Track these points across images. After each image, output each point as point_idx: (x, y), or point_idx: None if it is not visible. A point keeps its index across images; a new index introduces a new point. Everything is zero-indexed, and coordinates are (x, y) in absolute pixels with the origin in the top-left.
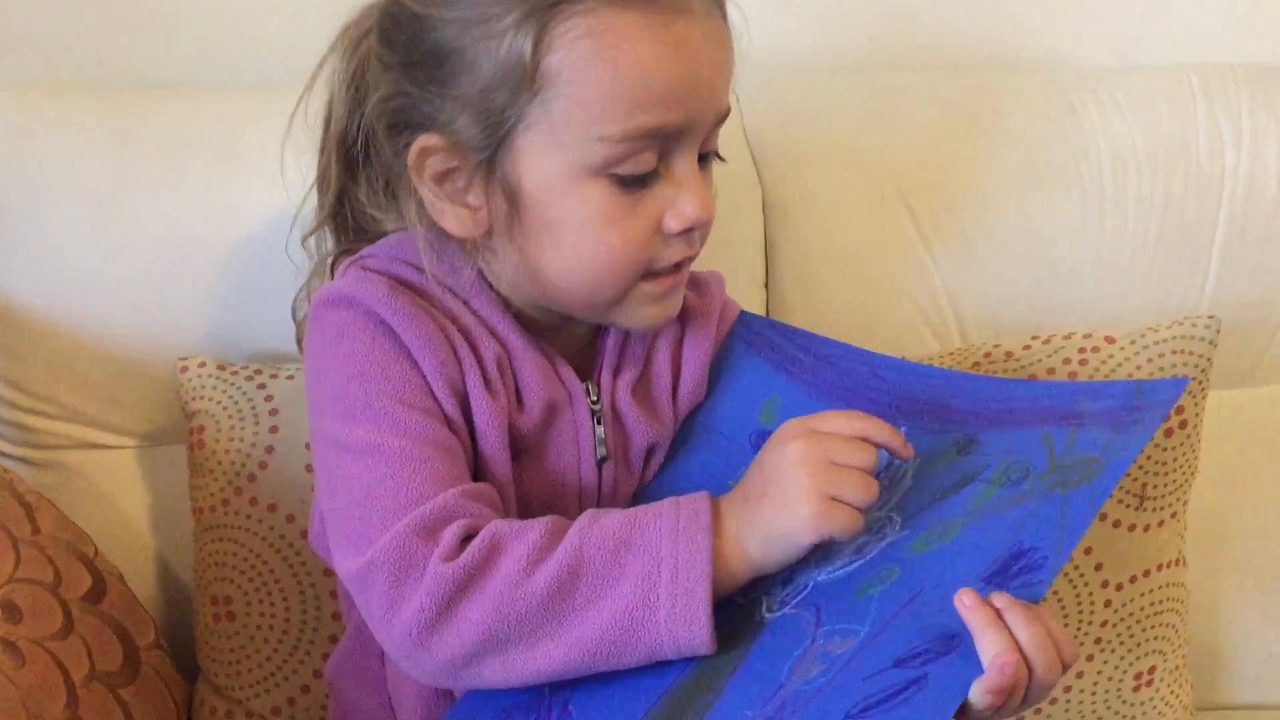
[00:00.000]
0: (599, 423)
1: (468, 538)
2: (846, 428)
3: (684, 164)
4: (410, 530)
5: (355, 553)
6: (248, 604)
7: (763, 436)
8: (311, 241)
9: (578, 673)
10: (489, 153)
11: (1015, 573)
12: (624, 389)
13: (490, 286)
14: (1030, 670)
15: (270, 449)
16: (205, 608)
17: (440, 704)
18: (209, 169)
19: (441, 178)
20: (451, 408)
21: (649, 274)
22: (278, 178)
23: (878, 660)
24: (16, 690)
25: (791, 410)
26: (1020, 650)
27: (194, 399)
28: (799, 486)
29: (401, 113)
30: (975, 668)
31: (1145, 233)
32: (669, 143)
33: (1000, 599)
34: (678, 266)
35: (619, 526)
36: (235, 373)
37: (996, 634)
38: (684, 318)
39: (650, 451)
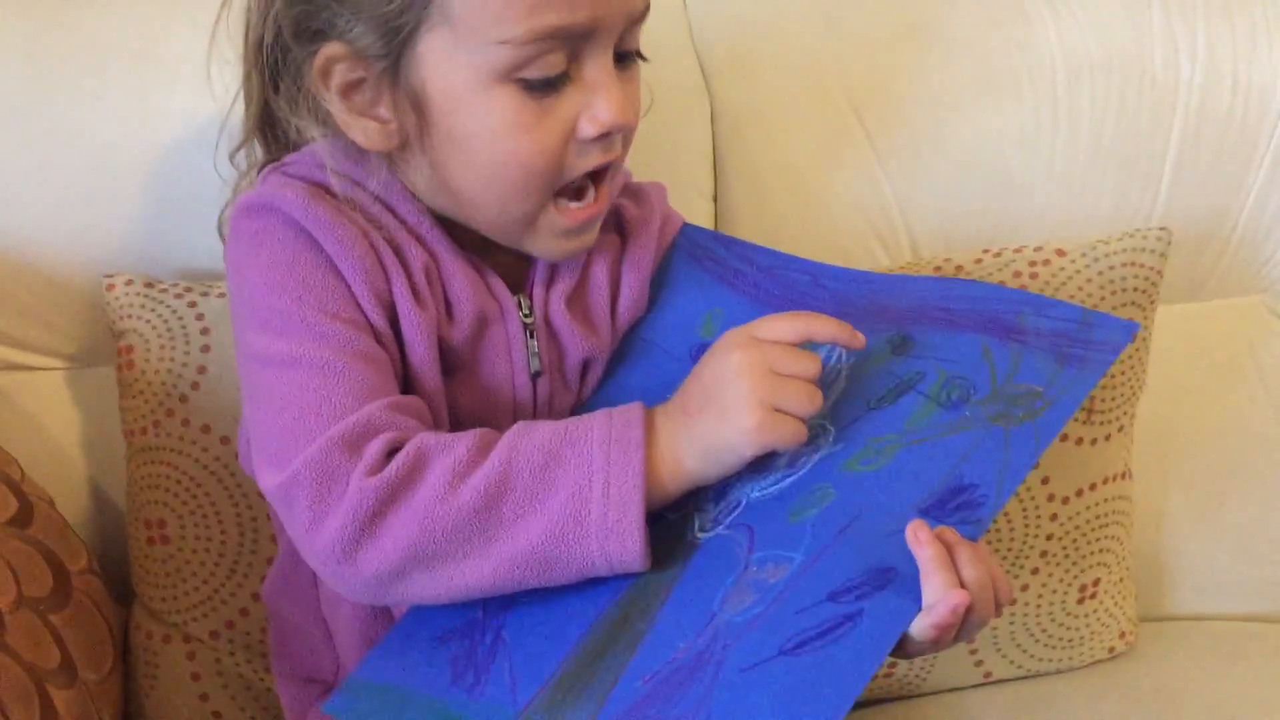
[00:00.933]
0: (532, 336)
1: (392, 452)
2: (789, 331)
3: (596, 66)
4: (332, 444)
5: (277, 468)
6: (182, 527)
7: (704, 349)
8: (241, 156)
9: (509, 588)
10: (390, 61)
11: (954, 508)
12: (558, 301)
13: (413, 196)
14: (969, 609)
15: (202, 369)
16: (139, 531)
17: (375, 623)
18: (131, 75)
19: (348, 89)
20: (378, 318)
21: (561, 195)
22: (203, 84)
23: (811, 593)
24: None
25: (733, 322)
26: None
27: (122, 318)
28: (741, 397)
29: (304, 20)
30: (911, 603)
31: (1098, 144)
32: (578, 44)
33: (949, 534)
34: (594, 178)
35: (549, 439)
36: (164, 290)
37: (947, 573)
38: (623, 229)
39: (587, 365)
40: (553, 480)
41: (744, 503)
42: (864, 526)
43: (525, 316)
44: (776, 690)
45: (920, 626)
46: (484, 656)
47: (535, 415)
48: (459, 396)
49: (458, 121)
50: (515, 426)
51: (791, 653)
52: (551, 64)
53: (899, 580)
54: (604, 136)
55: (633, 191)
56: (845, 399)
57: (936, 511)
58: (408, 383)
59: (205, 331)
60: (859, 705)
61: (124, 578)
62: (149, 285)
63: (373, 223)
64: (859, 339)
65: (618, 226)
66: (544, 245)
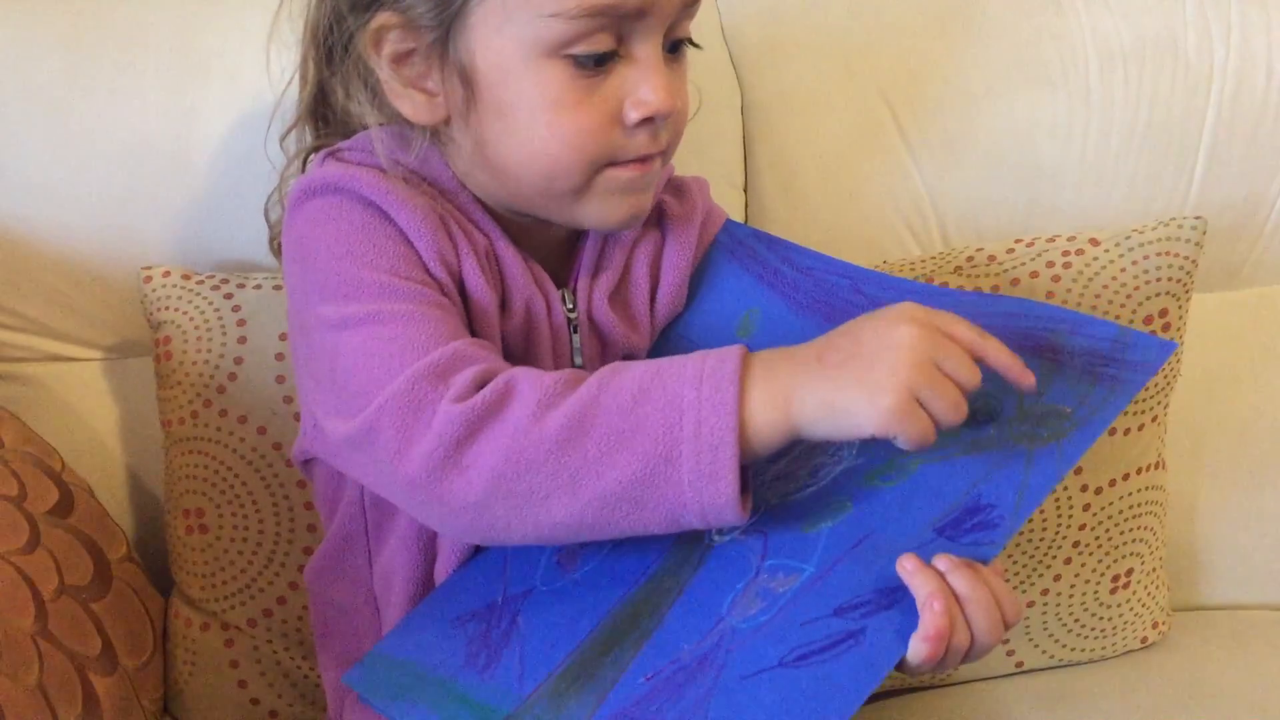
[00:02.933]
0: (575, 331)
1: (482, 383)
2: (968, 338)
3: (646, 49)
4: (420, 375)
5: (356, 411)
6: (220, 516)
7: None
8: (290, 140)
9: (600, 530)
10: (441, 31)
11: (969, 528)
12: (601, 297)
13: (462, 184)
14: (972, 631)
15: (239, 360)
16: (177, 521)
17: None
18: (166, 70)
19: (399, 60)
20: (448, 285)
21: (611, 164)
22: (237, 78)
23: (818, 605)
24: None
25: (770, 324)
26: (963, 611)
27: (159, 309)
28: (893, 372)
29: None
30: (914, 624)
31: (1131, 132)
32: (628, 24)
33: (943, 561)
34: (643, 161)
35: (640, 375)
36: (201, 282)
37: (941, 598)
38: (664, 224)
39: (630, 359)
40: (642, 417)
41: (762, 509)
42: (877, 543)
43: (569, 311)
44: (774, 701)
45: (914, 645)
46: (498, 641)
47: None
48: None
49: (504, 94)
50: (608, 365)
51: (792, 664)
52: (600, 41)
53: (906, 600)
54: (649, 122)
55: (675, 186)
56: None
57: (951, 531)
58: None
59: (242, 323)
60: (893, 694)
61: (162, 566)
62: (186, 277)
63: (440, 201)
64: (1029, 379)
65: (659, 222)
66: (597, 210)
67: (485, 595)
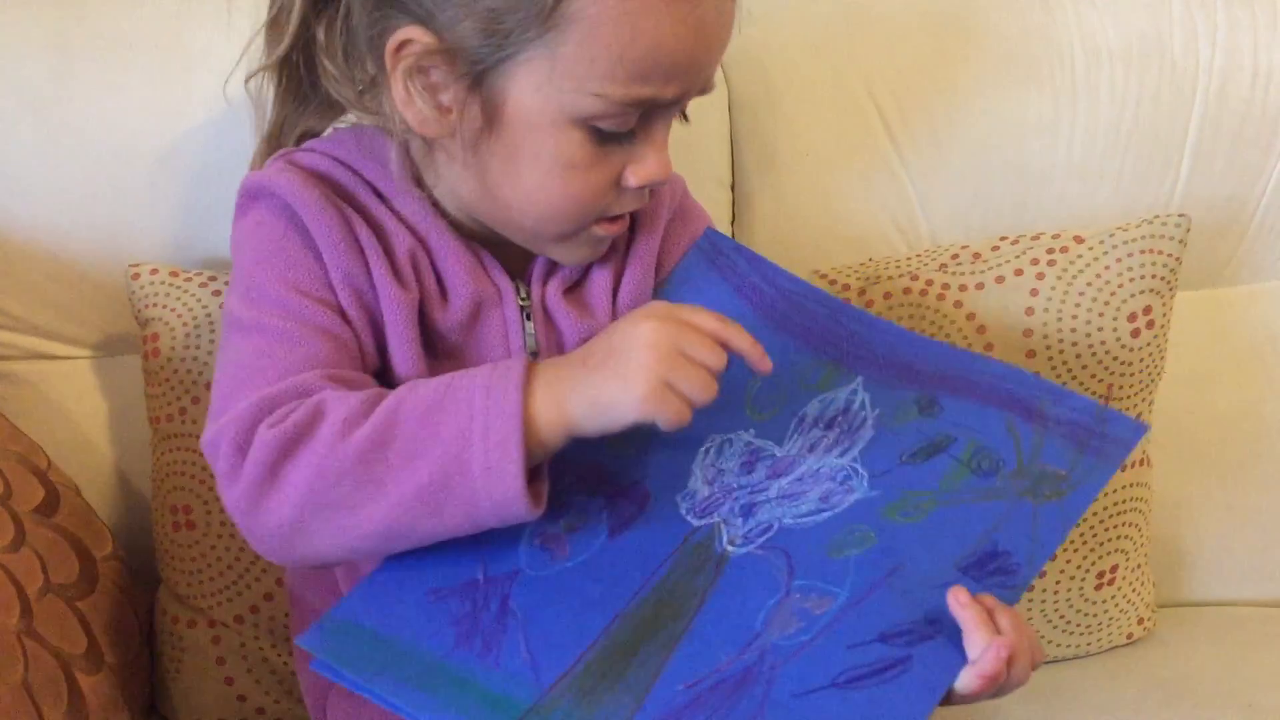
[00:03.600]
0: (528, 318)
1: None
2: (711, 326)
3: (661, 129)
4: (260, 401)
5: (212, 421)
6: (208, 513)
7: None
8: (255, 83)
9: (401, 534)
10: (479, 70)
11: (991, 571)
12: (555, 289)
13: (416, 185)
14: (1010, 671)
15: None
16: (164, 517)
17: None
18: (154, 67)
19: (416, 71)
20: (348, 300)
21: (599, 219)
22: (224, 76)
23: (862, 630)
24: None
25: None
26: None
27: (147, 306)
28: (640, 365)
29: None
30: (958, 655)
31: (1118, 131)
32: (655, 109)
33: (988, 599)
34: (623, 217)
35: (435, 388)
36: (189, 279)
37: (988, 631)
38: (632, 220)
39: None
40: (436, 424)
41: (776, 527)
42: (909, 574)
43: (522, 301)
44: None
45: (967, 678)
46: (491, 625)
47: None
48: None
49: (524, 142)
50: (409, 383)
51: (844, 686)
52: (628, 122)
53: (946, 631)
54: (643, 187)
55: None
56: (875, 447)
57: (976, 572)
58: (388, 365)
59: None
60: None
61: (149, 564)
62: (174, 274)
63: (360, 210)
64: (767, 364)
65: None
66: (563, 251)
67: (460, 572)
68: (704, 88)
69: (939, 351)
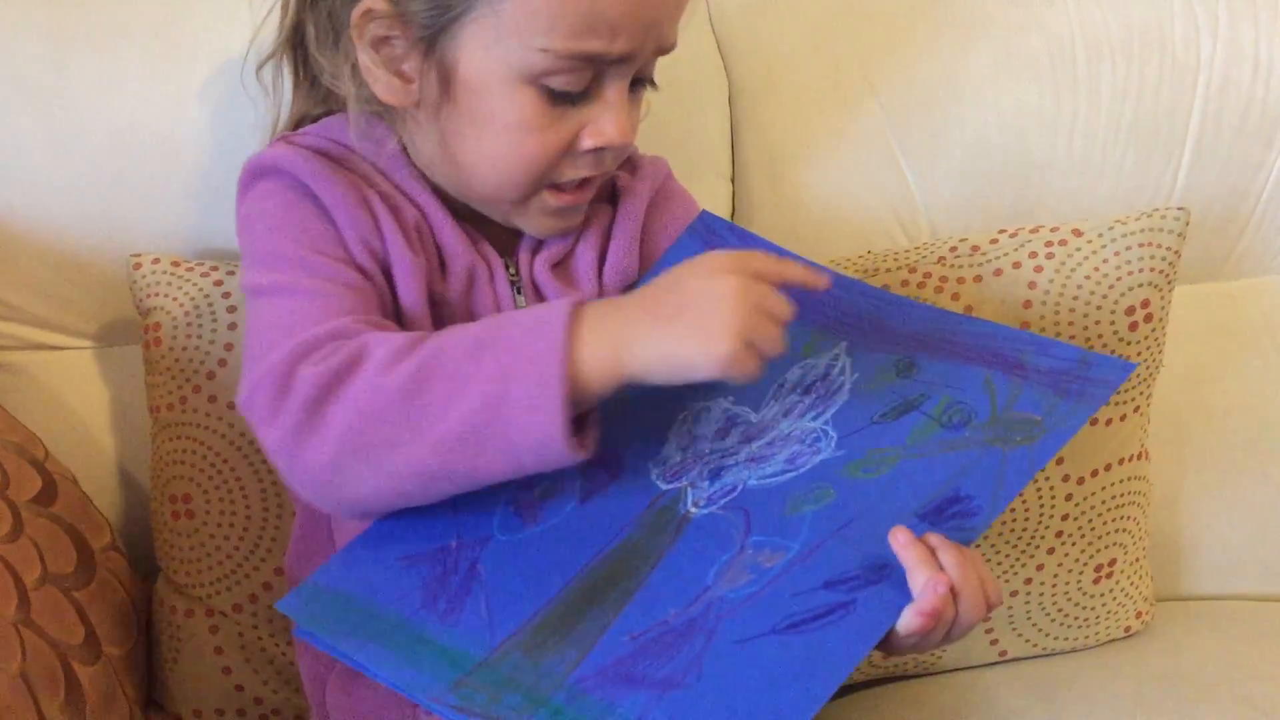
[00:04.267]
0: (519, 292)
1: None
2: (774, 272)
3: (615, 89)
4: (296, 348)
5: (247, 377)
6: (207, 502)
7: None
8: (267, 71)
9: (442, 475)
10: (431, 33)
11: (950, 515)
12: (542, 264)
13: (411, 162)
14: (956, 608)
15: (229, 346)
16: (164, 506)
17: None
18: (151, 57)
19: (379, 42)
20: (367, 261)
21: (552, 185)
22: (224, 62)
23: (807, 579)
24: None
25: None
26: (949, 586)
27: (149, 296)
28: (725, 324)
29: None
30: (903, 597)
31: (1118, 123)
32: (606, 67)
33: (933, 538)
34: (582, 183)
35: (479, 327)
36: (190, 269)
37: (929, 568)
38: (616, 197)
39: None
40: (479, 362)
41: (740, 488)
42: (862, 526)
43: (512, 276)
44: (768, 664)
45: (908, 617)
46: (458, 588)
47: None
48: None
49: (479, 105)
50: (452, 326)
51: (784, 632)
52: (579, 80)
53: (893, 576)
54: (598, 151)
55: (629, 162)
56: (848, 410)
57: (933, 518)
58: (399, 325)
59: (232, 310)
60: (877, 682)
61: (147, 554)
62: (175, 264)
63: (367, 181)
64: (824, 280)
65: (611, 196)
66: (531, 222)
67: (434, 538)
68: (660, 46)
69: (924, 314)
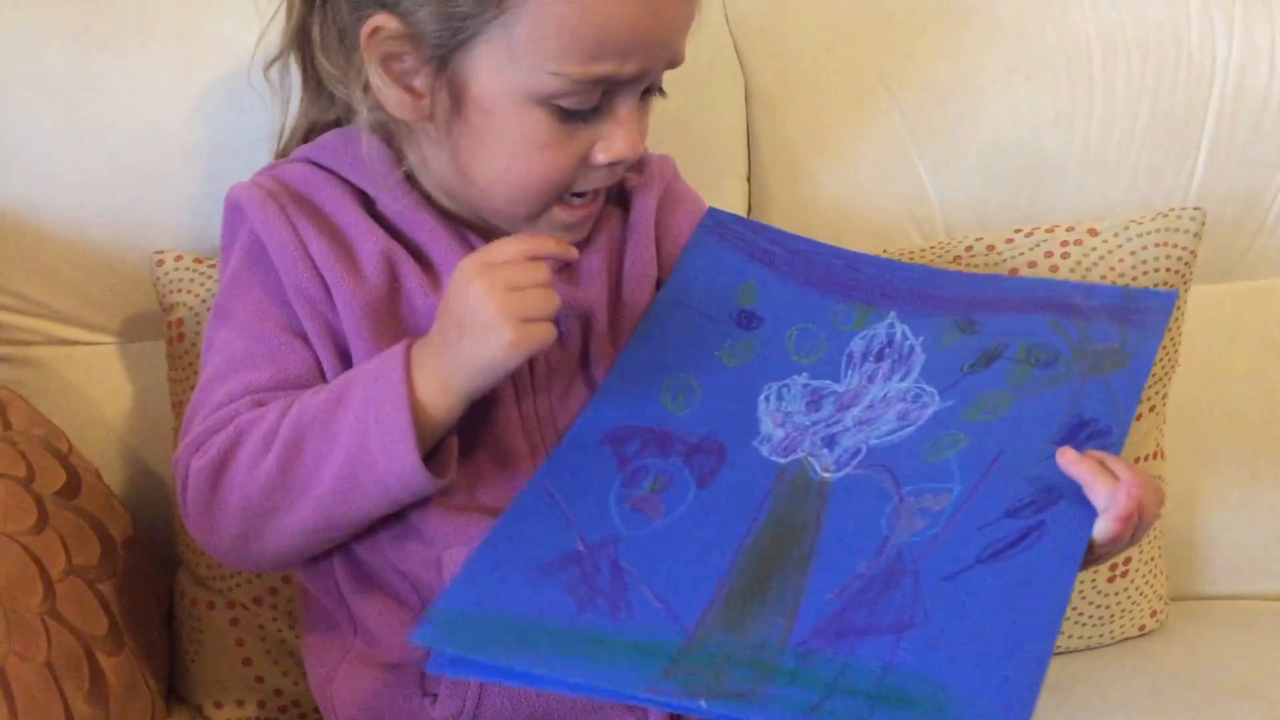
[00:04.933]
0: None
1: None
2: (516, 251)
3: (626, 105)
4: (196, 437)
5: (180, 441)
6: None
7: (746, 316)
8: (275, 71)
9: (339, 524)
10: (441, 53)
11: (1085, 438)
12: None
13: (407, 179)
14: (1141, 508)
15: None
16: None
17: (400, 613)
18: (176, 54)
19: (390, 58)
20: (306, 315)
21: (566, 197)
22: (245, 62)
23: (986, 513)
24: None
25: (769, 294)
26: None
27: (172, 292)
28: (492, 318)
29: None
30: (1087, 510)
31: (1133, 124)
32: (617, 86)
33: (1096, 453)
34: (593, 195)
35: (329, 391)
36: (213, 266)
37: (1107, 477)
38: (625, 198)
39: (587, 323)
40: (337, 420)
41: (864, 450)
42: (1012, 458)
43: None
44: (991, 591)
45: (1104, 524)
46: (611, 585)
47: (531, 368)
48: None
49: (489, 124)
50: (307, 391)
51: (989, 561)
52: (589, 100)
53: (1068, 494)
54: (613, 164)
55: (638, 162)
56: (932, 366)
57: (1072, 441)
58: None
59: None
60: None
61: (168, 546)
62: (198, 260)
63: (324, 219)
64: (572, 251)
65: (619, 198)
66: (539, 232)
67: (558, 544)
68: (670, 61)
69: (961, 279)
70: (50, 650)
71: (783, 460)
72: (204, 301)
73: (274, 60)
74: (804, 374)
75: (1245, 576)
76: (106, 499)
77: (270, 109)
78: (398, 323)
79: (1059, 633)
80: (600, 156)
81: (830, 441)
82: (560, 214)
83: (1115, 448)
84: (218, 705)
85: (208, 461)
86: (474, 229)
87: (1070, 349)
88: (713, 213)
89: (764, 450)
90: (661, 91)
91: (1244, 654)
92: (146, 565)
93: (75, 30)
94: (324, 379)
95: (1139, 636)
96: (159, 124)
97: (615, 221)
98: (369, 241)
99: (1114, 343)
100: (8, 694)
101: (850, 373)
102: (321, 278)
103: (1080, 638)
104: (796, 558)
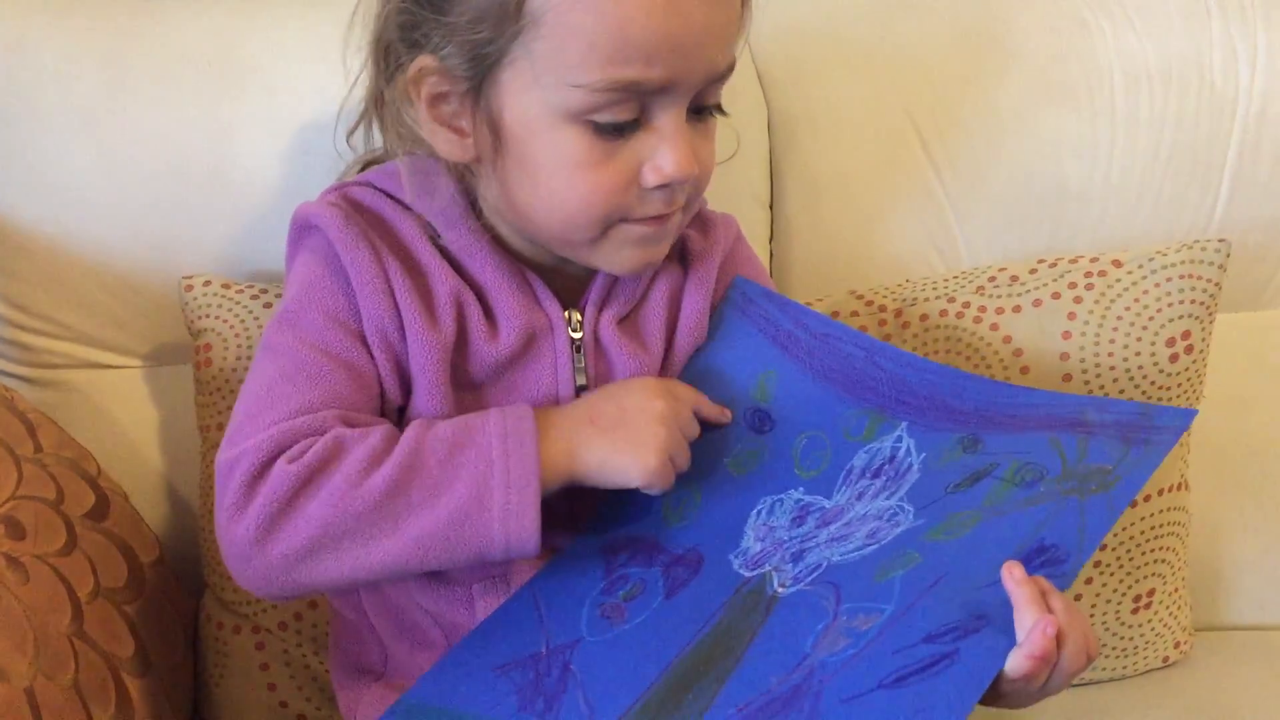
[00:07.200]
0: (579, 351)
1: None
2: (690, 400)
3: (667, 118)
4: (280, 435)
5: (232, 444)
6: None
7: (760, 416)
8: (358, 136)
9: (409, 568)
10: (474, 84)
11: (1039, 565)
12: (609, 321)
13: (475, 216)
14: (1059, 655)
15: None
16: (211, 524)
17: (428, 649)
18: (205, 84)
19: (435, 100)
20: (376, 343)
21: (625, 219)
22: (275, 91)
23: (907, 635)
24: (21, 605)
25: (788, 390)
26: (1058, 629)
27: (200, 317)
28: (653, 439)
29: (407, 29)
30: (1006, 641)
31: (1156, 153)
32: (651, 97)
33: (1043, 582)
34: (659, 218)
35: (451, 431)
36: (240, 291)
37: (1039, 608)
38: (686, 259)
39: None
40: (457, 467)
41: (825, 565)
42: (953, 582)
43: (574, 332)
44: (884, 716)
45: (1016, 659)
46: (553, 687)
47: None
48: (502, 405)
49: (528, 150)
50: (416, 422)
51: (891, 686)
52: (622, 111)
53: (992, 624)
54: (664, 187)
55: (701, 220)
56: (921, 486)
57: (1025, 566)
58: (411, 400)
59: None
60: None
61: (194, 570)
62: (226, 286)
63: (400, 249)
64: (727, 415)
65: (680, 257)
66: (612, 258)
67: (525, 646)
68: (710, 73)
69: (979, 387)
70: (78, 671)
71: (748, 574)
72: (232, 327)
73: (355, 126)
74: (800, 488)
75: (1270, 607)
76: (134, 521)
77: (296, 138)
78: (460, 365)
79: None
80: (650, 178)
81: (798, 557)
82: (629, 227)
83: (1066, 580)
84: None
85: (302, 465)
86: (535, 268)
87: (1062, 468)
88: (739, 284)
89: (736, 563)
90: (721, 110)
91: (1269, 686)
92: (172, 588)
93: (107, 58)
94: (385, 406)
95: (1163, 668)
96: (189, 151)
97: (675, 280)
98: (442, 282)
99: (1107, 464)
100: (36, 715)
101: (844, 488)
102: (399, 313)
103: (1104, 669)
104: (720, 670)
